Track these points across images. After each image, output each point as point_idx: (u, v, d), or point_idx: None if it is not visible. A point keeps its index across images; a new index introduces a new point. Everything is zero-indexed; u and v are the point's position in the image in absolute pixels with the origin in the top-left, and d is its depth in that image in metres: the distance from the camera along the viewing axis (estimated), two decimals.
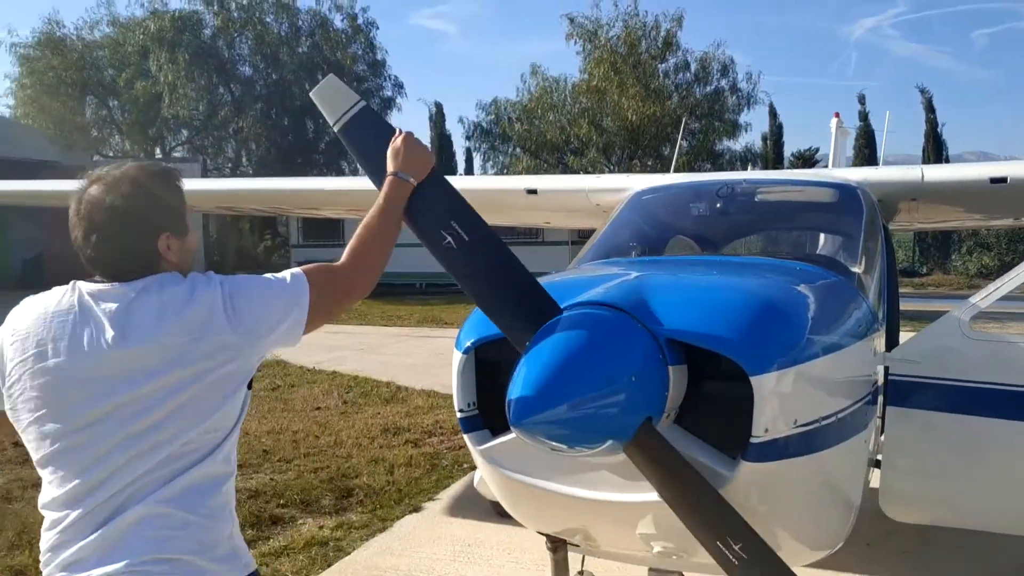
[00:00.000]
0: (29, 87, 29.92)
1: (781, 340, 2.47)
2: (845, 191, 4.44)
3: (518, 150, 25.60)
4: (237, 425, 2.00)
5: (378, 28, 32.24)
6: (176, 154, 32.20)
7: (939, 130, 31.35)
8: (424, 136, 40.45)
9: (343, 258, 2.16)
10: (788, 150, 34.42)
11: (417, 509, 6.08)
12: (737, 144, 28.97)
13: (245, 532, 5.52)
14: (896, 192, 4.82)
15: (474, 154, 30.25)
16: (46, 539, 1.90)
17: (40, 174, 22.31)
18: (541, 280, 2.63)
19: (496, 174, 24.71)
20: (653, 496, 2.43)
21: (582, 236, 23.75)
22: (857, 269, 3.77)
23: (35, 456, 1.92)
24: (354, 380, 11.09)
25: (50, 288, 1.98)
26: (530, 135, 24.66)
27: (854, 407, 2.86)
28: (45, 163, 27.18)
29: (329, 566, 5.08)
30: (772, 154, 31.83)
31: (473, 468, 7.04)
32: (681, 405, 2.42)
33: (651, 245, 4.27)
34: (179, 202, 2.06)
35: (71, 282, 1.95)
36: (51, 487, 1.89)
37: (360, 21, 31.47)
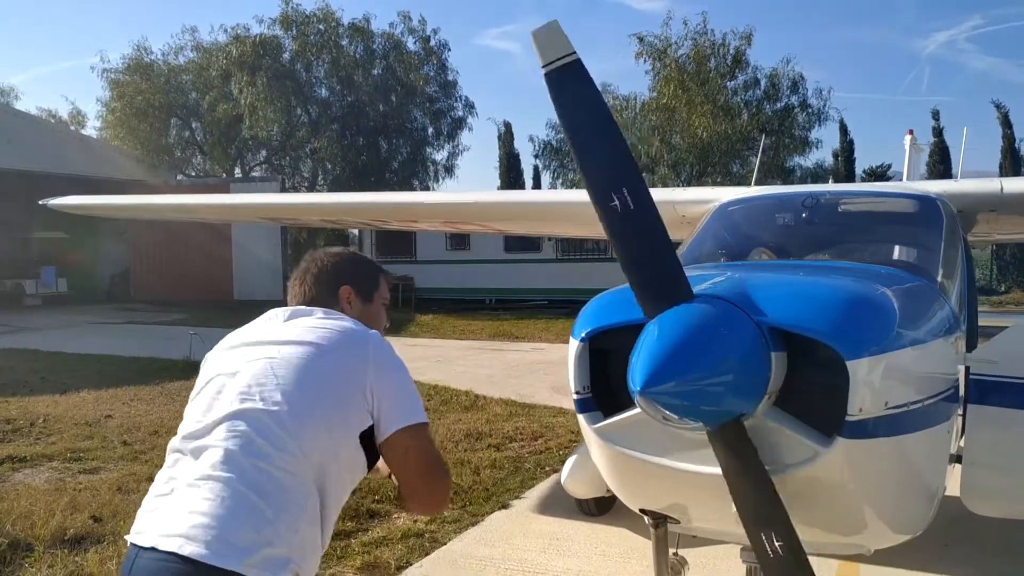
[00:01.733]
0: (119, 110, 31.35)
1: (873, 330, 2.73)
2: (925, 202, 4.64)
3: None
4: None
5: (450, 50, 33.01)
6: (255, 173, 33.35)
7: (1016, 145, 30.75)
8: (494, 154, 40.93)
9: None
10: (859, 167, 34.11)
11: (505, 506, 6.39)
12: (808, 161, 28.86)
13: (345, 523, 5.95)
14: (975, 204, 5.00)
15: (544, 171, 30.71)
16: None
17: (127, 193, 23.51)
18: None
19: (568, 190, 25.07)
20: None
21: None
22: (938, 275, 3.98)
23: None
24: (434, 389, 11.46)
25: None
26: None
27: (937, 397, 3.09)
28: (132, 182, 28.48)
29: (427, 555, 5.41)
30: (843, 170, 31.55)
31: (556, 471, 7.34)
32: (780, 388, 2.70)
33: (738, 252, 4.54)
34: (371, 277, 2.62)
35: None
36: None
37: (432, 43, 32.25)
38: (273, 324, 2.35)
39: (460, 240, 26.31)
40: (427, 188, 32.69)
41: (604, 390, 3.08)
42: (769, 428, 2.69)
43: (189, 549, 1.88)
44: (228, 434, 2.04)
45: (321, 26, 30.86)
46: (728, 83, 24.92)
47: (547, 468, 7.46)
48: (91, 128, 39.79)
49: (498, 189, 30.80)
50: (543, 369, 13.66)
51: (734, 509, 2.98)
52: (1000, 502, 3.90)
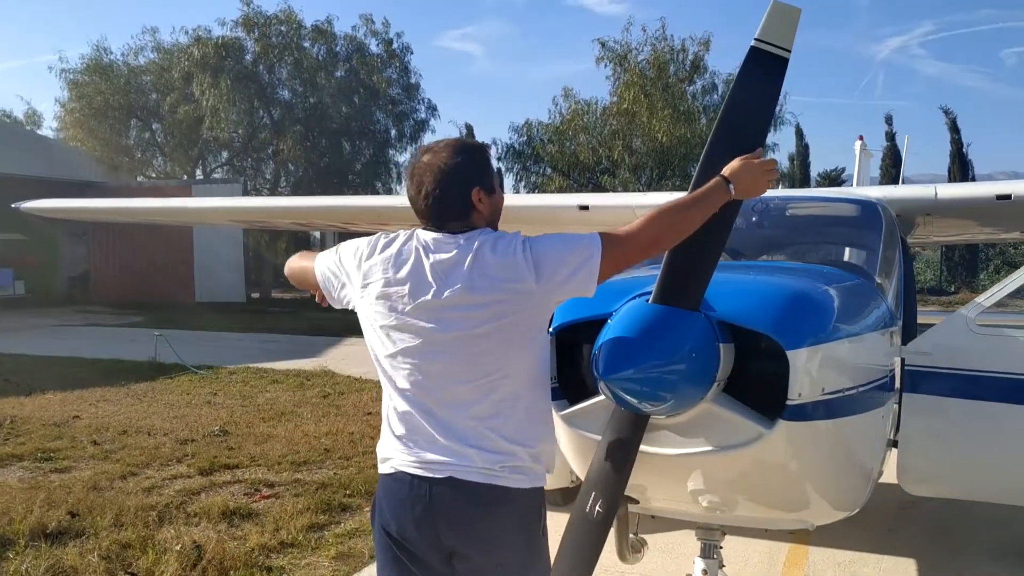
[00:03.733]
0: (78, 111, 31.01)
1: (811, 323, 3.03)
2: (866, 206, 4.99)
3: (549, 170, 26.24)
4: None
5: (412, 53, 33.13)
6: (216, 175, 33.19)
7: (964, 150, 31.73)
8: None
9: (636, 223, 2.42)
10: (814, 170, 34.91)
11: None
12: None
13: (317, 517, 6.07)
14: (912, 208, 5.36)
15: (506, 174, 30.94)
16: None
17: (86, 195, 23.32)
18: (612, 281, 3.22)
19: (529, 193, 25.37)
20: (701, 449, 3.00)
21: None
22: (876, 274, 4.31)
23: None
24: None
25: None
26: (562, 156, 25.30)
27: (871, 385, 3.40)
28: (91, 184, 28.22)
29: None
30: (799, 174, 32.31)
31: None
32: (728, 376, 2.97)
33: None
34: (486, 163, 2.54)
35: (413, 230, 2.52)
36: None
37: (395, 46, 32.34)
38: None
39: None
40: (390, 190, 32.76)
41: (574, 381, 3.33)
42: (718, 412, 2.96)
43: None
44: None
45: (283, 28, 30.80)
46: (687, 88, 25.40)
47: None
48: (47, 129, 39.26)
49: None
50: None
51: (687, 485, 3.27)
52: (933, 483, 4.24)
